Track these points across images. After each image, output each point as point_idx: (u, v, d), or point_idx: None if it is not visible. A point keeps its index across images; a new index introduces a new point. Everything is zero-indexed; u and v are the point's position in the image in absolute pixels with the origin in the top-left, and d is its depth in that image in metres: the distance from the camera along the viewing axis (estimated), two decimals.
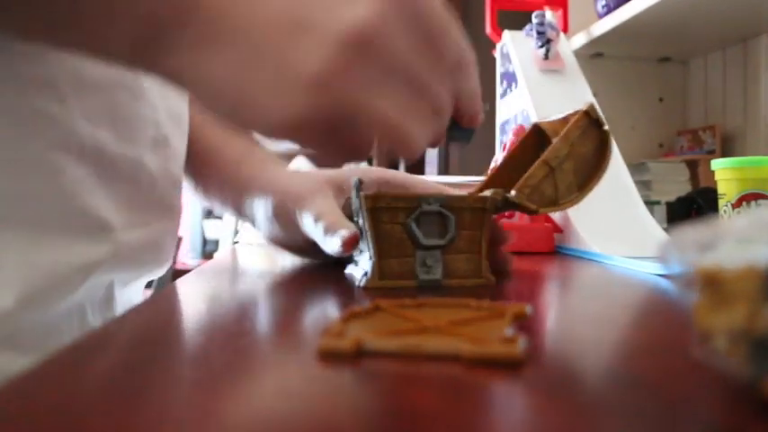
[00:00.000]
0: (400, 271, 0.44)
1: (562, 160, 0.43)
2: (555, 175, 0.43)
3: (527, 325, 0.29)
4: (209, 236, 2.67)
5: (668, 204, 0.86)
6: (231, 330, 0.30)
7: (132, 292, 0.51)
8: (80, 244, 0.39)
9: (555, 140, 0.44)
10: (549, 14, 1.05)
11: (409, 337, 0.24)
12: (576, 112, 0.46)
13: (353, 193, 0.44)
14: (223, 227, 2.43)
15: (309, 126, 0.27)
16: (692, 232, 0.19)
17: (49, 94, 0.36)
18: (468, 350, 0.22)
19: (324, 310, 0.37)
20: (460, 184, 0.84)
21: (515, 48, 0.94)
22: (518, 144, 0.50)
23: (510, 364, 0.22)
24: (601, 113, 0.45)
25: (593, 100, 0.44)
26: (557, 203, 0.44)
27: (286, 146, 0.29)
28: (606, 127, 0.45)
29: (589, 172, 0.44)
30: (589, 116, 0.44)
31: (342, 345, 0.23)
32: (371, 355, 0.23)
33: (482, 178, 0.85)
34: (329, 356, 0.23)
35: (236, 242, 0.85)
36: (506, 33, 0.98)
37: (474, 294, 0.41)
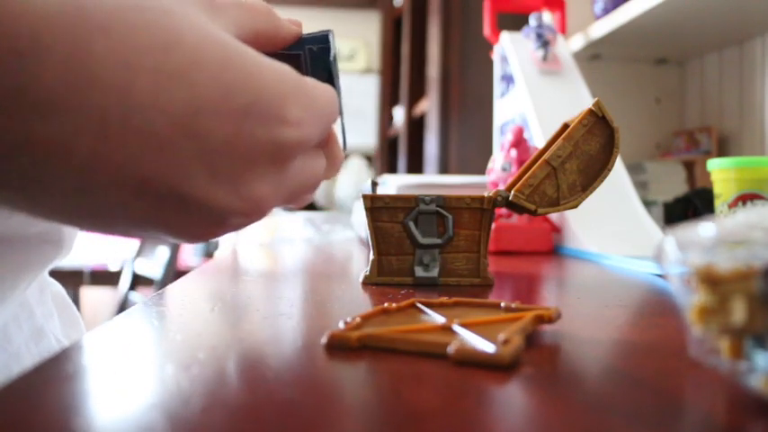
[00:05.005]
0: (399, 268, 0.45)
1: (564, 160, 0.43)
2: (557, 174, 0.43)
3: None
4: None
5: (665, 205, 0.87)
6: (231, 329, 0.30)
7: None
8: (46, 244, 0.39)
9: (558, 139, 0.44)
10: (547, 16, 1.06)
11: (409, 335, 0.25)
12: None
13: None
14: None
15: None
16: (689, 232, 0.19)
17: None
18: (455, 350, 0.23)
19: (326, 308, 0.37)
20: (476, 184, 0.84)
21: (514, 49, 0.94)
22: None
23: (494, 366, 0.22)
24: (607, 111, 0.44)
25: (591, 101, 0.44)
26: (558, 204, 0.44)
27: None
28: (615, 124, 0.44)
29: (595, 170, 0.44)
30: (594, 114, 0.44)
31: (347, 336, 0.25)
32: (373, 348, 0.24)
33: (482, 177, 0.85)
34: (335, 348, 0.24)
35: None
36: (505, 35, 0.98)
37: (472, 293, 0.41)
